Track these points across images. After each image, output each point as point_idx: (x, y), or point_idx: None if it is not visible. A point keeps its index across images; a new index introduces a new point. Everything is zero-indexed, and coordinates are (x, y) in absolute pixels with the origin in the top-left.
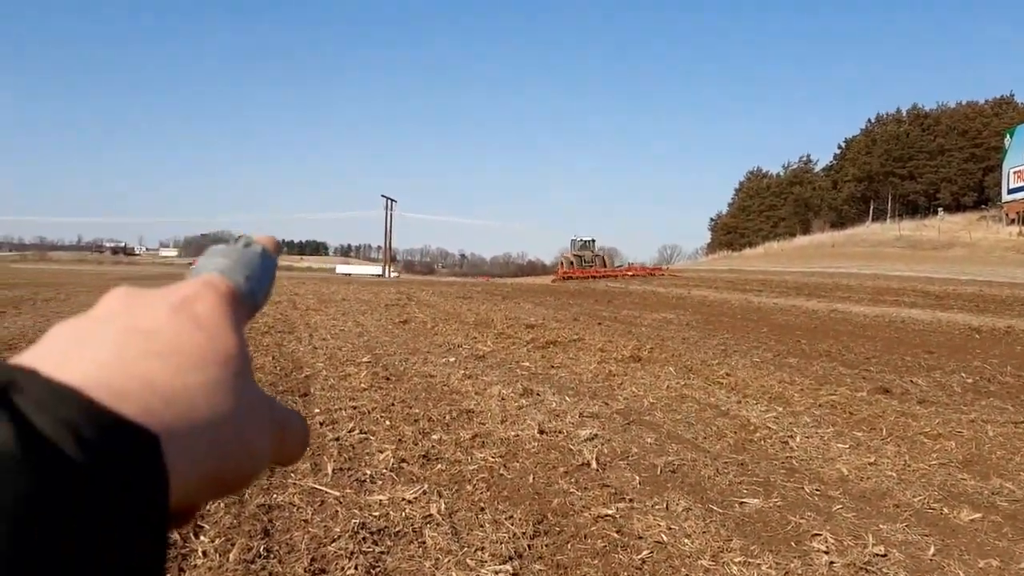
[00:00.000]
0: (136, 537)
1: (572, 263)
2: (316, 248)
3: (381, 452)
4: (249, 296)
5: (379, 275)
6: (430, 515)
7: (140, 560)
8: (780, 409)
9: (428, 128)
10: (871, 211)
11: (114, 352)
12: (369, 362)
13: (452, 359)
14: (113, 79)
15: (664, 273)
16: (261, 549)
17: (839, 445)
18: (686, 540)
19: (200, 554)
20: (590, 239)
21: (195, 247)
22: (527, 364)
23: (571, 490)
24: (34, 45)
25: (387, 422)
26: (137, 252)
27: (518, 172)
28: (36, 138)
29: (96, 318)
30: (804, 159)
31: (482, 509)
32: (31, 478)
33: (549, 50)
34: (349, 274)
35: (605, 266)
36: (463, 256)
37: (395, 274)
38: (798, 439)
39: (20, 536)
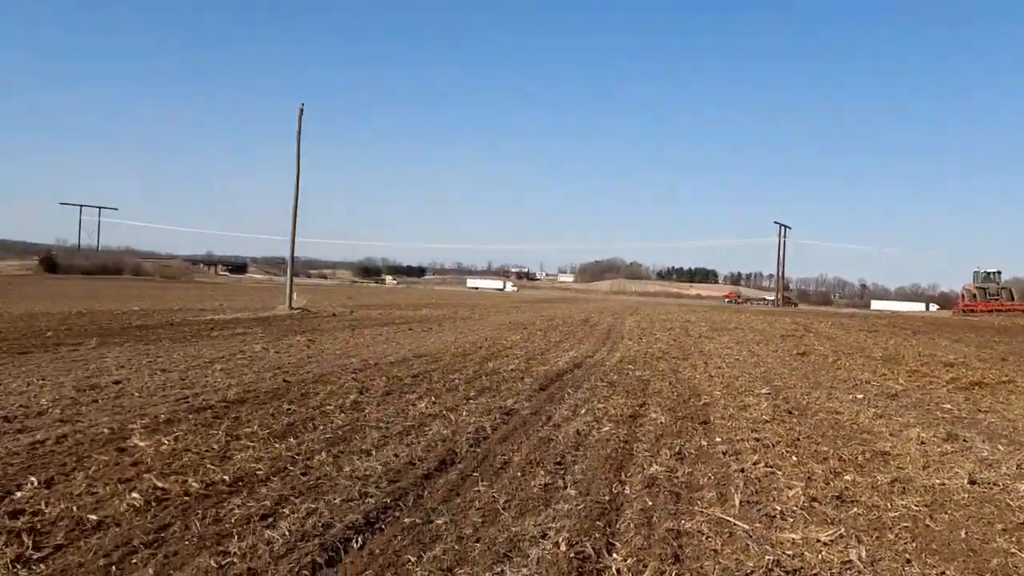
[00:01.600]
0: None
1: (975, 296)
2: (705, 275)
3: (790, 488)
4: None
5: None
6: (849, 560)
7: None
8: None
9: (830, 149)
10: None
11: None
12: (768, 394)
13: (860, 396)
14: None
15: None
16: (673, 574)
17: None
18: None
19: (614, 571)
20: (995, 271)
21: (589, 273)
22: (948, 406)
23: (1013, 550)
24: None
25: (793, 458)
26: (538, 277)
27: (931, 196)
28: (465, 170)
29: None
30: None
31: (908, 560)
32: None
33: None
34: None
35: (1013, 299)
36: (863, 286)
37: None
38: None
39: None
